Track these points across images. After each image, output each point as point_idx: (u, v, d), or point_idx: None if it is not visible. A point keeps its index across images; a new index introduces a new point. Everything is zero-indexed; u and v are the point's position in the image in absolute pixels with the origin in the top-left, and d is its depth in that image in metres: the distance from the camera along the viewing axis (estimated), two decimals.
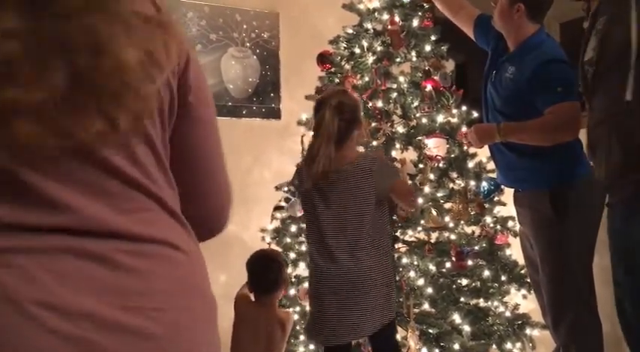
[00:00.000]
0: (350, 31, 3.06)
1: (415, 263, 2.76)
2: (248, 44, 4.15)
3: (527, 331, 2.88)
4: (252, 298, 2.61)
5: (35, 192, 0.75)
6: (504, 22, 2.41)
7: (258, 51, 4.18)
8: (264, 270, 2.54)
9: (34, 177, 0.74)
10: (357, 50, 3.01)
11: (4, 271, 0.71)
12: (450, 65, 3.10)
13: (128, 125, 0.78)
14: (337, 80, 3.04)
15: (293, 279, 3.00)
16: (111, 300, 0.76)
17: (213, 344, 0.90)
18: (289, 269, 2.98)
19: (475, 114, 3.01)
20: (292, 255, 3.07)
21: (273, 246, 3.08)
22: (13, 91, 0.69)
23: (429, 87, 2.90)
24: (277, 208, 3.12)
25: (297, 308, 2.97)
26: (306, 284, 2.98)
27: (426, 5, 3.18)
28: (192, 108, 0.95)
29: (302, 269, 3.00)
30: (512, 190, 2.68)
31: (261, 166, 4.02)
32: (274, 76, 4.23)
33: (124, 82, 0.76)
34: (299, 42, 4.11)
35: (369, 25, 3.07)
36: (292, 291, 3.00)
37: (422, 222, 2.80)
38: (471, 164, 2.93)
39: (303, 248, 3.06)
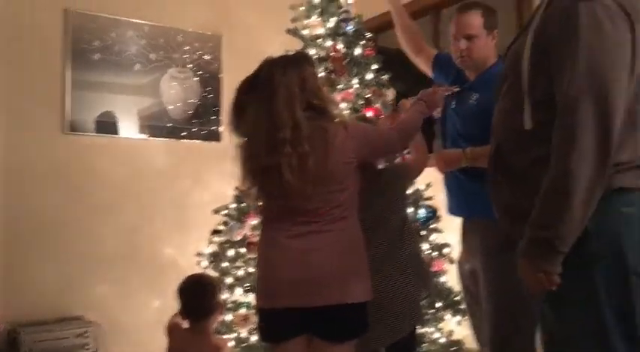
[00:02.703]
0: (292, 53, 3.07)
1: None
2: (190, 65, 4.11)
3: None
4: (186, 325, 2.53)
5: None
6: (483, 53, 2.43)
7: (199, 72, 4.14)
8: (197, 296, 2.46)
9: None
10: None
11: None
12: (390, 93, 3.15)
13: None
14: None
15: (229, 305, 2.93)
16: None
17: None
18: (225, 295, 2.92)
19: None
20: (229, 280, 3.00)
21: (210, 271, 3.01)
22: None
23: (370, 114, 2.94)
24: (215, 232, 3.06)
25: (234, 335, 2.90)
26: (242, 310, 2.92)
27: (368, 34, 3.24)
28: None
29: (239, 295, 2.94)
30: (454, 217, 2.71)
31: (201, 189, 3.96)
32: (215, 98, 4.20)
33: None
34: (242, 65, 4.02)
35: (312, 51, 3.10)
36: (229, 317, 2.93)
37: None
38: (408, 191, 2.97)
39: (241, 272, 3.01)
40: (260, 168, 1.83)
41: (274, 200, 1.86)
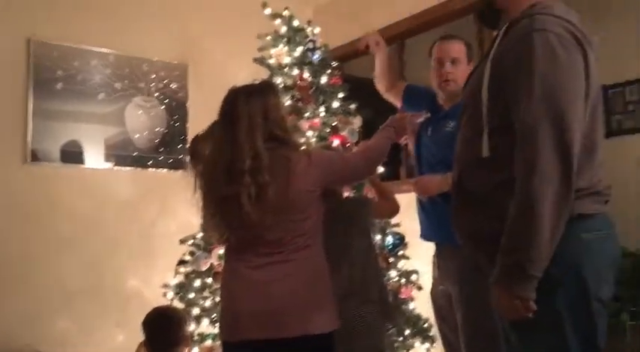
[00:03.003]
0: (258, 82, 3.09)
1: None
2: (156, 93, 4.09)
3: None
4: None
5: None
6: (462, 80, 2.45)
7: (166, 101, 4.12)
8: (163, 328, 2.41)
9: None
10: None
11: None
12: (357, 121, 3.18)
13: None
14: None
15: (196, 337, 2.87)
16: None
17: None
18: (192, 326, 2.86)
19: (382, 169, 3.08)
20: (196, 311, 2.95)
21: (176, 303, 2.95)
22: None
23: (336, 142, 2.95)
24: (181, 262, 3.01)
25: None
26: (208, 342, 2.87)
27: (334, 63, 3.28)
28: None
29: (205, 326, 2.89)
30: (421, 243, 2.71)
31: (167, 218, 3.90)
32: (182, 127, 4.18)
33: None
34: (208, 93, 4.06)
35: (279, 80, 3.12)
36: (195, 350, 2.87)
37: None
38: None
39: (207, 303, 2.96)
40: (219, 197, 1.81)
41: (235, 230, 1.83)
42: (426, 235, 2.61)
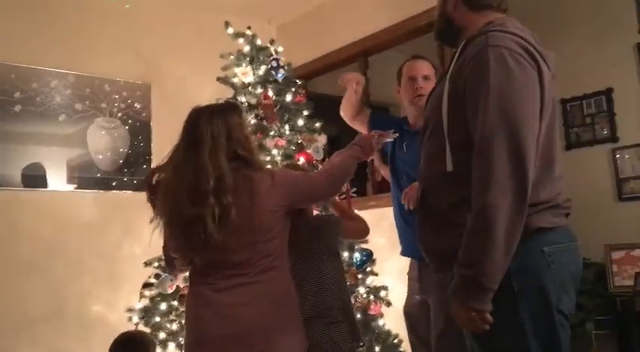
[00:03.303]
0: (222, 102, 3.07)
1: None
2: (119, 114, 4.03)
3: None
4: None
5: None
6: None
7: (129, 121, 4.07)
8: None
9: None
10: None
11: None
12: (322, 139, 3.18)
13: None
14: None
15: None
16: None
17: None
18: (158, 350, 2.80)
19: (354, 188, 3.10)
20: (162, 335, 2.89)
21: (141, 327, 2.89)
22: None
23: (302, 160, 2.95)
24: (146, 285, 2.94)
25: None
26: None
27: (298, 81, 3.29)
28: None
29: (172, 350, 2.83)
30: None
31: (131, 241, 3.82)
32: (146, 147, 4.12)
33: None
34: (172, 113, 4.02)
35: (243, 99, 3.11)
36: None
37: None
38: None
39: (174, 327, 2.90)
40: (184, 220, 1.78)
41: (200, 253, 1.80)
42: (409, 251, 2.60)
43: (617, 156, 3.60)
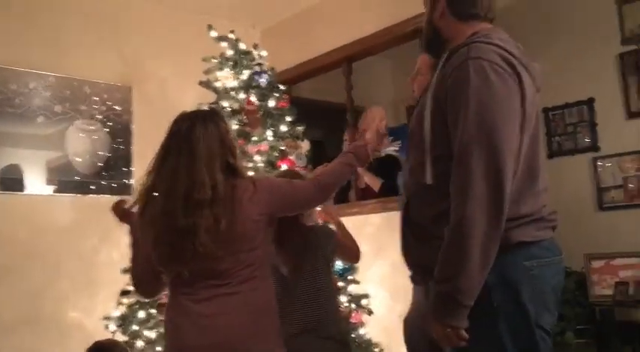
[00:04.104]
0: (206, 108, 3.03)
1: None
2: (99, 116, 3.97)
3: None
4: None
5: None
6: None
7: (110, 124, 4.00)
8: None
9: None
10: None
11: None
12: (305, 145, 3.16)
13: None
14: None
15: None
16: None
17: None
18: None
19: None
20: (140, 344, 2.83)
21: (119, 335, 2.84)
22: None
23: (284, 166, 2.92)
24: (124, 293, 2.89)
25: None
26: None
27: (282, 87, 3.26)
28: None
29: None
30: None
31: (110, 247, 3.75)
32: (126, 150, 4.06)
33: None
34: (154, 116, 3.99)
35: (225, 104, 3.07)
36: None
37: None
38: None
39: (153, 335, 2.85)
40: (174, 228, 1.73)
41: (186, 264, 1.76)
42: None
43: (599, 165, 3.62)
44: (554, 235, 1.59)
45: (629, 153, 3.50)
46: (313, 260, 2.13)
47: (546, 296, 1.51)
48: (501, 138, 1.42)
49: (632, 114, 3.49)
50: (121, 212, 1.94)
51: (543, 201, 1.57)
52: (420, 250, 1.63)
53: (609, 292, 3.29)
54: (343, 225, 2.47)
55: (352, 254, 2.42)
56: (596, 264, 3.42)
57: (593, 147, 3.69)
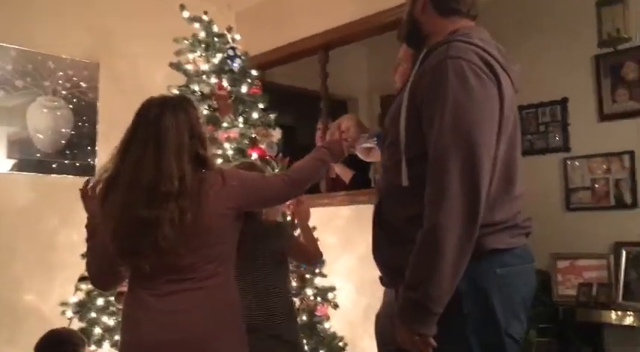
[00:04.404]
0: (175, 91, 2.93)
1: None
2: (64, 92, 3.81)
3: None
4: None
5: None
6: None
7: (74, 100, 3.85)
8: None
9: None
10: None
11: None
12: (277, 134, 3.08)
13: None
14: None
15: None
16: None
17: None
18: (92, 347, 2.67)
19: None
20: (97, 331, 2.75)
21: (75, 322, 2.74)
22: None
23: (254, 155, 2.85)
24: (83, 279, 2.79)
25: None
26: None
27: (255, 72, 3.17)
28: None
29: (107, 349, 2.70)
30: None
31: (69, 229, 3.62)
32: (91, 129, 3.92)
33: None
34: (121, 94, 3.87)
35: (196, 87, 2.98)
36: None
37: None
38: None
39: (111, 322, 2.77)
40: (136, 220, 1.65)
41: (146, 257, 1.67)
42: None
43: (568, 165, 3.64)
44: (527, 241, 1.56)
45: (599, 155, 3.52)
46: (261, 254, 2.07)
47: (516, 305, 1.49)
48: (478, 140, 1.38)
49: (604, 117, 3.50)
50: (84, 191, 1.84)
51: (519, 207, 1.54)
52: (391, 252, 1.59)
53: (573, 292, 3.33)
54: (307, 225, 2.42)
55: (307, 257, 2.38)
56: (561, 263, 3.44)
57: (564, 147, 3.70)
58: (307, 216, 2.43)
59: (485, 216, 1.39)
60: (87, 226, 1.85)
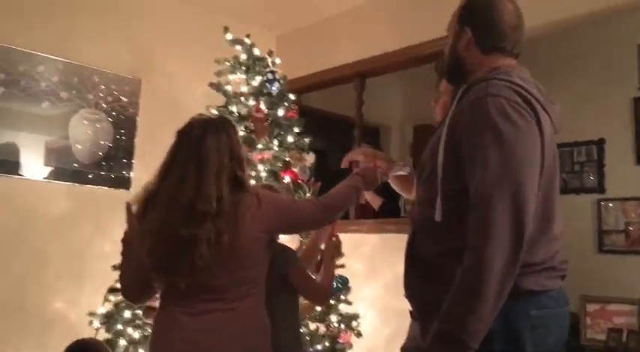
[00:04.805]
0: (214, 111, 2.99)
1: None
2: (105, 106, 3.92)
3: None
4: None
5: None
6: None
7: (114, 114, 3.95)
8: None
9: None
10: None
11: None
12: (310, 158, 3.11)
13: None
14: None
15: None
16: None
17: None
18: None
19: None
20: (122, 343, 2.78)
21: (102, 333, 2.78)
22: None
23: (287, 178, 2.88)
24: (113, 290, 2.83)
25: None
26: None
27: (292, 96, 3.22)
28: None
29: None
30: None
31: (102, 239, 3.69)
32: (129, 143, 4.01)
33: None
34: (160, 111, 3.96)
35: (234, 108, 3.03)
36: None
37: None
38: None
39: (137, 335, 2.80)
40: (174, 238, 1.67)
41: (183, 275, 1.69)
42: None
43: (602, 206, 3.59)
44: (563, 283, 1.55)
45: (634, 199, 3.47)
46: (278, 277, 2.02)
47: (549, 347, 1.47)
48: (526, 178, 1.38)
49: None
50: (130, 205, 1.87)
51: (557, 247, 1.52)
52: (422, 286, 1.58)
53: (602, 337, 3.25)
54: (333, 262, 2.27)
55: (312, 293, 2.17)
56: (591, 307, 3.38)
57: (599, 188, 3.66)
58: (335, 253, 2.31)
59: (523, 255, 1.39)
60: (123, 240, 1.88)
